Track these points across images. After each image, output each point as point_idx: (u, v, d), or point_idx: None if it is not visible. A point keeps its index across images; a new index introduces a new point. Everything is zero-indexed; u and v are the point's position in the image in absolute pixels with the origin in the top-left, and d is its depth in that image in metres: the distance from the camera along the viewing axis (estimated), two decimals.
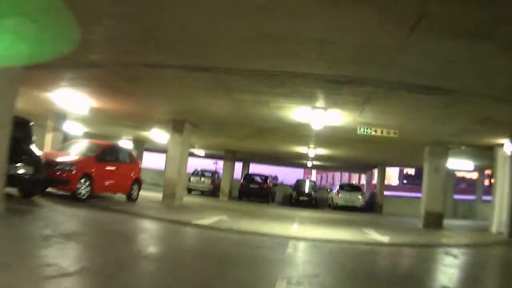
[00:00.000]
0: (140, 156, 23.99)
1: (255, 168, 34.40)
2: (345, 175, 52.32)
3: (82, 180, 10.00)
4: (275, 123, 12.13)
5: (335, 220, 15.06)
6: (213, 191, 23.26)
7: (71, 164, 9.96)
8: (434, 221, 13.07)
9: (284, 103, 9.32)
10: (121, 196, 12.59)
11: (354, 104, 8.71)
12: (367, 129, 10.51)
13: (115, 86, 9.70)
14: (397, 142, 13.70)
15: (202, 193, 23.50)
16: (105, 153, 11.55)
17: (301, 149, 18.35)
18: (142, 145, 22.62)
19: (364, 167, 26.69)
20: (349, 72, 6.67)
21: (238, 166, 30.37)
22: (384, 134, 10.58)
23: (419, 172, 48.25)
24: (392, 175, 45.09)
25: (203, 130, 15.54)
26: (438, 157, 13.63)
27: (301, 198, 22.31)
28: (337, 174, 55.80)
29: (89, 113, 12.84)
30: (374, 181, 33.80)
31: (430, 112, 9.01)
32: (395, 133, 10.61)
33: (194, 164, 27.24)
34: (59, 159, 10.10)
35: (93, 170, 10.40)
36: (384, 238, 9.37)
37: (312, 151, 17.93)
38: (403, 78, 6.78)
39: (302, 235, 8.82)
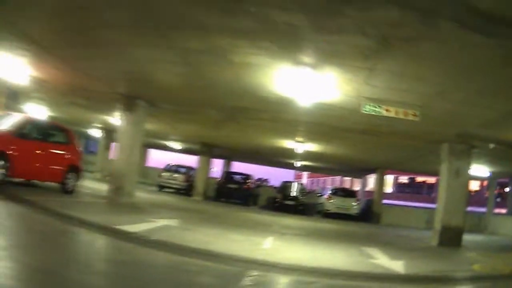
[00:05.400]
0: (109, 148, 20.86)
1: (240, 168, 31.27)
2: (337, 180, 49.00)
3: None
4: (247, 98, 9.09)
5: (326, 232, 11.90)
6: (187, 190, 19.91)
7: None
8: (452, 238, 10.18)
9: (250, 53, 6.17)
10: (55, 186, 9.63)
11: (359, 55, 5.60)
12: (375, 107, 7.39)
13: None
14: (408, 135, 10.65)
15: (178, 191, 20.12)
16: (30, 128, 8.78)
17: (287, 143, 15.19)
18: (111, 134, 19.58)
19: (360, 171, 23.37)
20: None
21: (220, 164, 27.29)
22: (400, 115, 7.46)
23: (412, 180, 46.03)
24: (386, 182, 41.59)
25: (165, 112, 12.54)
26: (459, 158, 10.56)
27: (286, 202, 19.01)
28: (329, 180, 52.50)
29: (31, 84, 10.57)
30: (368, 187, 30.58)
31: (483, 71, 5.68)
32: (414, 114, 7.47)
33: (171, 159, 24.31)
34: None
35: (11, 148, 7.81)
36: (397, 266, 6.20)
37: (300, 146, 14.78)
38: None
39: (275, 259, 5.55)
